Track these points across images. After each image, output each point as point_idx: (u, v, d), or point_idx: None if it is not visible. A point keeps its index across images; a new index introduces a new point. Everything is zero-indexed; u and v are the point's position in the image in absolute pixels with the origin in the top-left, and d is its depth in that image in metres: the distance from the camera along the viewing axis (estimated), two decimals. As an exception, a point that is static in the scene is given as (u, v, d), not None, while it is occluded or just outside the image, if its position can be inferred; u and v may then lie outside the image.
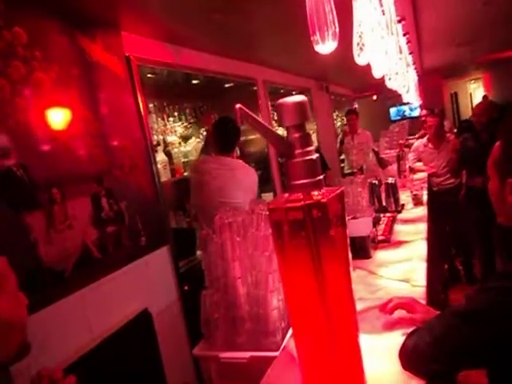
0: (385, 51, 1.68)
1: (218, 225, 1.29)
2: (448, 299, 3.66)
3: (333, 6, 1.04)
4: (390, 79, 2.21)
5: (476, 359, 0.85)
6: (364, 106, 8.89)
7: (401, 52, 2.59)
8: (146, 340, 2.24)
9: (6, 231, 1.67)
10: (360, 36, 1.72)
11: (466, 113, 9.75)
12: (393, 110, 10.78)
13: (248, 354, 1.27)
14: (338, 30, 1.08)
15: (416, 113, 9.82)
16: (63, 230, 1.90)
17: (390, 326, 1.19)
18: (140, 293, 2.27)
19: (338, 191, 0.84)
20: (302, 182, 0.81)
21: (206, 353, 1.33)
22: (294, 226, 0.81)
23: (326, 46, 1.08)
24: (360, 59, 1.75)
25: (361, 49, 1.73)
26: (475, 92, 10.80)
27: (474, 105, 9.22)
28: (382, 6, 2.13)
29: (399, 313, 1.22)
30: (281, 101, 0.79)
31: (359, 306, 1.38)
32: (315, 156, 0.81)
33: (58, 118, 1.96)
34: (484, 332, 0.83)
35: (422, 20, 4.19)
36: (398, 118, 10.48)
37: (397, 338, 1.12)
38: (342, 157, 6.56)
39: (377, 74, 1.69)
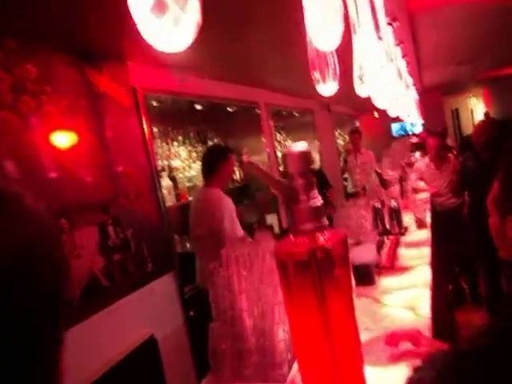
0: (385, 81, 1.72)
1: (224, 258, 1.32)
2: (454, 320, 3.64)
3: (335, 53, 1.08)
4: (391, 106, 2.26)
5: None
6: (366, 123, 8.96)
7: (400, 77, 2.64)
8: (152, 366, 2.25)
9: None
10: (360, 68, 1.77)
11: (468, 129, 9.80)
12: (395, 126, 10.83)
13: (255, 387, 1.28)
14: (338, 71, 1.12)
15: (417, 129, 9.88)
16: (71, 259, 1.93)
17: (396, 359, 1.21)
18: (146, 319, 2.28)
19: (342, 235, 0.87)
20: (306, 226, 0.84)
21: (213, 385, 1.35)
22: (299, 268, 0.84)
23: (327, 87, 1.12)
24: (361, 91, 1.80)
25: (361, 80, 1.78)
26: (476, 108, 10.86)
27: (475, 122, 9.27)
28: (379, 33, 2.19)
29: (404, 345, 1.23)
30: (286, 150, 0.83)
31: (364, 337, 1.40)
32: (319, 202, 0.84)
33: (66, 148, 2.01)
34: (489, 372, 0.84)
35: (421, 41, 4.26)
36: (401, 133, 10.54)
37: (402, 371, 1.13)
38: (345, 175, 6.60)
39: (379, 104, 1.74)
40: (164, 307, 2.47)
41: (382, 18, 2.08)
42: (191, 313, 2.66)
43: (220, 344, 1.36)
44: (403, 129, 10.61)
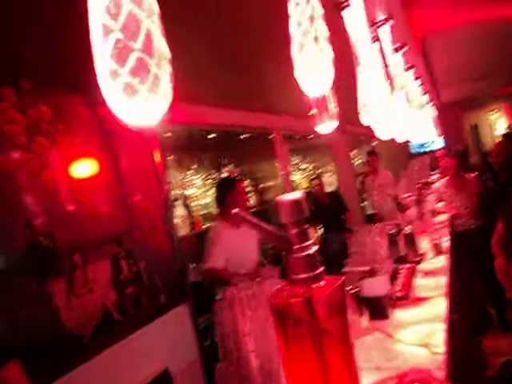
0: (388, 111, 1.71)
1: (229, 298, 1.31)
2: (481, 346, 3.50)
3: (332, 92, 1.08)
4: (398, 134, 2.24)
5: None
6: (383, 142, 8.89)
7: (411, 101, 2.62)
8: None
9: (31, 300, 1.73)
10: (364, 98, 1.77)
11: (488, 144, 9.61)
12: (413, 143, 10.68)
13: (263, 431, 1.25)
14: (338, 110, 1.12)
15: (437, 145, 9.73)
16: (84, 294, 1.95)
17: (406, 403, 1.16)
18: (160, 352, 2.27)
19: (339, 282, 0.85)
20: (301, 276, 0.83)
21: (221, 429, 1.32)
22: (295, 317, 0.83)
23: (324, 126, 1.12)
24: (364, 120, 1.79)
25: (366, 110, 1.78)
26: (496, 123, 10.68)
27: (495, 137, 9.07)
28: (385, 61, 2.19)
29: (416, 387, 1.19)
30: (278, 198, 0.83)
31: (375, 377, 1.36)
32: (313, 250, 0.83)
33: (81, 184, 2.05)
34: None
35: (434, 61, 4.25)
36: (420, 150, 10.39)
37: (413, 418, 1.09)
38: (364, 195, 6.53)
39: (381, 135, 1.72)
40: (178, 339, 2.46)
41: (388, 47, 2.08)
42: (206, 343, 2.64)
43: (227, 386, 1.34)
44: (422, 146, 10.47)
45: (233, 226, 2.78)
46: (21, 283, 1.69)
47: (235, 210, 0.76)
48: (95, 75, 0.59)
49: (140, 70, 0.50)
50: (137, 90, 0.51)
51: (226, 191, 2.82)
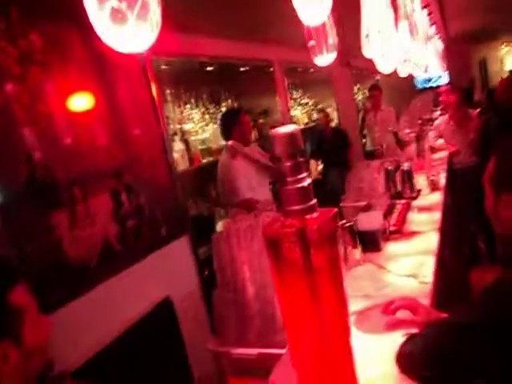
0: (391, 42, 1.65)
1: (226, 230, 1.35)
2: (469, 280, 3.65)
3: (332, 22, 1.04)
4: (401, 67, 2.17)
5: (467, 373, 0.89)
6: (386, 77, 8.64)
7: (417, 32, 2.52)
8: (168, 327, 2.36)
9: (33, 231, 1.78)
10: (367, 28, 1.70)
11: (497, 79, 9.35)
12: (419, 78, 10.38)
13: (256, 351, 1.34)
14: (336, 42, 1.08)
15: (443, 80, 9.48)
16: (85, 227, 2.00)
17: (392, 327, 1.24)
18: (161, 282, 2.37)
19: (331, 214, 0.88)
20: (295, 207, 0.85)
21: (218, 348, 1.42)
22: (288, 248, 0.86)
23: (323, 58, 1.09)
24: (366, 52, 1.74)
25: (369, 41, 1.72)
26: (506, 57, 10.31)
27: (505, 73, 8.79)
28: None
29: (402, 313, 1.26)
30: (273, 131, 0.83)
31: (364, 304, 1.44)
32: (307, 183, 0.85)
33: (77, 116, 2.03)
34: (477, 347, 0.86)
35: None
36: (426, 86, 10.12)
37: (397, 340, 1.17)
38: (364, 132, 6.46)
39: (383, 68, 1.67)
40: (179, 269, 2.56)
41: (396, -28, 1.97)
42: (206, 272, 2.75)
43: (224, 310, 1.42)
44: (428, 81, 10.18)
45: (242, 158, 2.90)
46: (23, 215, 1.73)
47: (230, 142, 0.77)
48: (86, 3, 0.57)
49: (128, -6, 0.49)
50: (125, 15, 0.49)
51: (231, 124, 2.84)
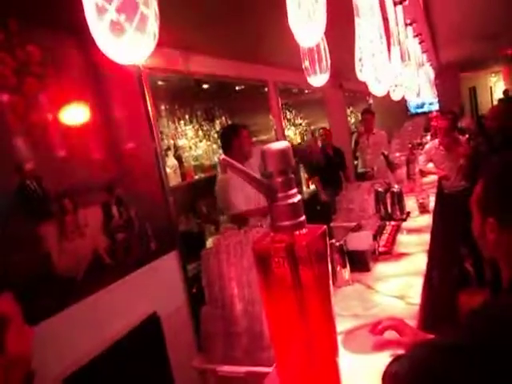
0: (384, 66, 1.69)
1: (216, 246, 1.35)
2: (457, 302, 3.66)
3: (326, 44, 1.07)
4: (394, 91, 2.22)
5: None
6: (380, 100, 8.78)
7: (408, 58, 2.58)
8: (154, 343, 2.33)
9: (22, 242, 1.76)
10: (361, 52, 1.74)
11: (486, 107, 9.55)
12: (412, 103, 10.57)
13: (244, 369, 1.33)
14: (329, 63, 1.11)
15: (435, 106, 9.67)
16: (75, 238, 1.99)
17: (379, 348, 1.24)
18: (149, 297, 2.35)
19: (321, 231, 0.88)
20: (284, 223, 0.85)
21: (204, 366, 1.40)
22: (277, 263, 0.86)
23: (316, 78, 1.12)
24: (361, 75, 1.78)
25: (362, 65, 1.76)
26: (496, 85, 10.56)
27: (495, 101, 8.98)
28: (385, 15, 2.14)
29: (389, 334, 1.26)
30: (264, 147, 0.84)
31: (352, 323, 1.43)
32: (297, 199, 0.86)
33: (72, 128, 2.04)
34: (464, 368, 0.86)
35: (436, 18, 4.13)
36: (418, 111, 10.31)
37: (384, 360, 1.16)
38: (357, 154, 6.54)
39: (375, 91, 1.71)
40: (167, 285, 2.54)
41: None
42: (194, 290, 2.73)
43: (211, 327, 1.40)
44: (421, 106, 10.38)
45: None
46: (12, 225, 1.72)
47: (222, 156, 0.78)
48: (85, 15, 0.58)
49: (127, 7, 0.50)
50: (124, 27, 0.51)
51: (230, 138, 2.94)
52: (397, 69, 2.08)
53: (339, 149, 5.39)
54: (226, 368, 1.37)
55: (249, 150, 2.96)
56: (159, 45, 2.41)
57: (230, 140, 2.95)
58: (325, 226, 0.91)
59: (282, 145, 0.85)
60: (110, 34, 0.50)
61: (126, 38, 0.51)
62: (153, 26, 0.53)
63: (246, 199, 2.87)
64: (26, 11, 1.81)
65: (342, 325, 1.39)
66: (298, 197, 0.87)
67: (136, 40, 0.51)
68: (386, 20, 2.15)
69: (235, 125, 3.38)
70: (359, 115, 7.53)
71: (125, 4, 0.50)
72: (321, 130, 5.17)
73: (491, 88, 10.59)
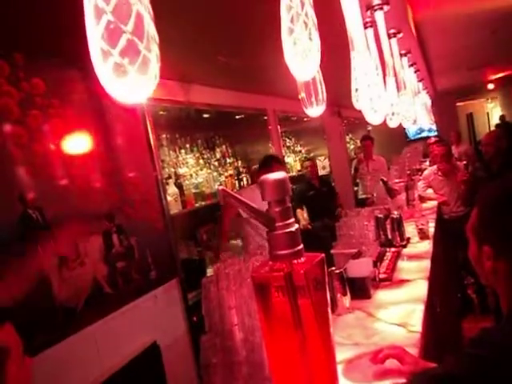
0: (378, 96, 1.74)
1: (216, 274, 1.35)
2: (461, 329, 3.62)
3: (321, 78, 1.11)
4: (390, 119, 2.27)
5: None
6: (378, 127, 8.89)
7: (404, 87, 2.64)
8: (154, 373, 2.30)
9: (22, 270, 1.77)
10: (357, 82, 1.79)
11: (484, 133, 9.65)
12: (411, 129, 10.70)
13: (244, 400, 1.31)
14: (325, 96, 1.15)
15: (433, 132, 9.79)
16: (75, 267, 2.00)
17: (380, 376, 1.23)
18: (149, 326, 2.33)
19: (318, 259, 0.90)
20: (283, 252, 0.87)
21: (204, 397, 1.38)
22: (276, 291, 0.87)
23: (312, 110, 1.15)
24: (358, 104, 1.82)
25: (358, 95, 1.80)
26: (493, 111, 10.71)
27: (492, 126, 9.09)
28: (380, 46, 2.21)
29: (390, 362, 1.25)
30: (263, 178, 0.86)
31: (353, 352, 1.42)
32: (295, 228, 0.88)
33: (74, 158, 2.07)
34: None
35: (431, 47, 4.24)
36: (417, 137, 10.43)
37: (386, 389, 1.15)
38: (357, 180, 6.58)
39: (371, 120, 1.75)
40: (167, 314, 2.52)
41: (383, 33, 2.10)
42: (194, 318, 2.71)
43: (211, 356, 1.39)
44: (420, 132, 10.50)
45: None
46: (12, 254, 1.73)
47: (220, 187, 0.80)
48: (88, 50, 0.62)
49: (130, 51, 0.54)
50: (126, 70, 0.54)
51: (261, 168, 3.02)
52: (393, 98, 2.13)
53: (326, 179, 5.43)
54: (227, 399, 1.35)
55: None
56: (161, 77, 2.47)
57: (261, 170, 3.02)
58: (322, 254, 0.92)
59: (279, 175, 0.87)
60: (113, 76, 0.54)
61: (129, 79, 0.54)
62: (154, 68, 0.56)
63: None
64: (32, 44, 1.87)
65: (342, 353, 1.38)
66: (296, 226, 0.89)
67: (138, 81, 0.55)
68: (381, 51, 2.22)
69: (270, 156, 3.37)
70: (358, 142, 7.63)
71: (128, 48, 0.53)
72: (306, 163, 5.18)
73: (488, 114, 10.73)
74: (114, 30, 0.52)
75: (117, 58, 0.53)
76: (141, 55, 0.53)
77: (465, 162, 3.96)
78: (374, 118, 1.74)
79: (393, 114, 2.51)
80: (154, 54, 0.55)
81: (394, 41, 2.67)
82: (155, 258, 2.44)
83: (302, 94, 1.14)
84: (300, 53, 0.86)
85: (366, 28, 2.00)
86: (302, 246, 0.89)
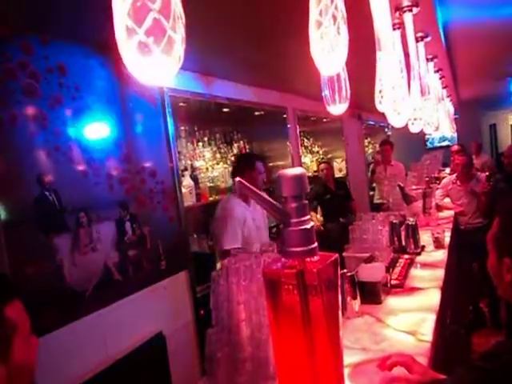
0: (402, 99, 1.70)
1: (225, 268, 1.34)
2: (470, 343, 3.55)
3: (346, 75, 1.08)
4: (412, 124, 2.23)
5: None
6: (398, 132, 8.78)
7: (428, 92, 2.59)
8: (158, 363, 2.31)
9: (35, 252, 1.79)
10: (382, 84, 1.76)
11: (506, 144, 9.45)
12: (430, 138, 10.57)
13: (247, 397, 1.30)
14: (349, 93, 1.12)
15: (453, 142, 9.63)
16: (87, 252, 2.01)
17: (386, 383, 1.20)
18: (156, 315, 2.34)
19: (332, 259, 0.88)
20: (296, 249, 0.85)
21: (207, 390, 1.38)
22: (287, 289, 0.86)
23: (335, 107, 1.13)
24: (381, 106, 1.79)
25: (382, 96, 1.77)
26: (516, 124, 10.47)
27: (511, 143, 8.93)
28: (407, 49, 2.17)
29: (398, 370, 1.23)
30: (280, 172, 0.85)
31: (361, 357, 1.40)
32: (310, 225, 0.86)
33: (91, 143, 2.08)
34: None
35: (457, 54, 4.16)
36: (437, 145, 10.30)
37: (392, 397, 1.13)
38: (373, 184, 6.51)
39: (398, 124, 1.72)
40: (175, 305, 2.53)
41: (411, 35, 2.05)
42: (202, 311, 2.70)
43: (216, 350, 1.38)
44: (441, 140, 10.37)
45: (246, 202, 2.84)
46: (27, 235, 1.75)
47: (238, 178, 0.78)
48: (113, 35, 0.61)
49: (156, 30, 0.52)
50: (151, 49, 0.53)
51: (244, 167, 2.87)
52: (416, 102, 2.09)
53: (343, 181, 5.38)
54: (229, 394, 1.34)
55: (260, 183, 2.92)
56: (183, 69, 2.47)
57: (244, 169, 2.87)
58: (336, 255, 0.90)
59: (297, 171, 0.85)
60: (137, 55, 0.53)
61: (153, 59, 0.53)
62: (179, 49, 0.54)
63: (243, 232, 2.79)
64: (56, 27, 1.88)
65: (349, 357, 1.35)
66: (311, 223, 0.87)
67: (162, 62, 0.54)
68: (407, 55, 2.18)
69: (250, 155, 3.36)
70: (377, 146, 7.54)
71: (154, 27, 0.52)
72: (322, 165, 5.15)
73: (511, 126, 10.50)
74: (141, 8, 0.51)
75: (142, 36, 0.52)
76: (166, 35, 0.52)
77: (487, 173, 3.87)
78: (396, 121, 1.70)
79: (415, 119, 2.47)
80: (179, 35, 0.54)
81: (421, 44, 2.62)
82: (166, 249, 2.45)
83: (326, 92, 1.12)
84: (327, 47, 0.84)
85: (393, 29, 1.96)
86: (316, 244, 0.87)
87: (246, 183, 0.82)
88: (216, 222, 2.84)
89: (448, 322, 2.39)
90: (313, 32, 0.87)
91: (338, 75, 1.12)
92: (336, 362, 0.90)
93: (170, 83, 2.57)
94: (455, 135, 9.27)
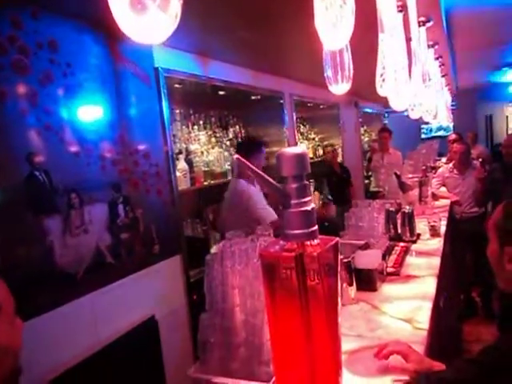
0: (405, 83, 1.66)
1: (220, 252, 1.31)
2: (461, 331, 3.57)
3: (350, 55, 1.04)
4: (412, 110, 2.19)
5: None
6: (394, 122, 8.73)
7: (429, 79, 2.55)
8: (150, 347, 2.28)
9: (24, 233, 1.74)
10: (383, 68, 1.71)
11: (501, 136, 9.46)
12: (425, 128, 10.57)
13: (241, 382, 1.28)
14: (352, 73, 1.08)
15: (449, 132, 9.62)
16: (79, 234, 1.96)
17: (382, 371, 1.18)
18: (148, 300, 2.31)
19: (333, 243, 0.84)
20: (296, 232, 0.82)
21: (199, 375, 1.35)
22: (285, 272, 0.82)
23: (338, 87, 1.09)
24: (382, 90, 1.75)
25: (383, 80, 1.73)
26: (512, 116, 10.48)
27: (510, 130, 8.92)
28: (410, 34, 2.12)
29: (394, 358, 1.21)
30: (281, 151, 0.81)
31: (356, 344, 1.38)
32: (311, 207, 0.82)
33: (83, 123, 2.02)
34: None
35: (458, 41, 4.11)
36: (433, 134, 10.32)
37: (387, 384, 1.11)
38: (370, 173, 6.49)
39: (396, 106, 1.68)
40: (168, 289, 2.50)
41: (414, 19, 2.00)
42: (194, 296, 2.68)
43: (209, 335, 1.36)
44: (438, 129, 10.38)
45: (251, 184, 2.97)
46: (16, 216, 1.70)
47: (235, 156, 0.74)
48: (110, 14, 0.56)
49: (151, -16, 0.48)
50: (146, 5, 0.48)
51: (251, 151, 2.96)
52: (417, 87, 2.05)
53: (346, 166, 5.40)
54: (222, 379, 1.32)
55: (261, 168, 2.98)
56: (179, 48, 2.40)
57: (250, 153, 2.96)
58: (337, 239, 0.87)
59: (298, 149, 0.82)
60: (130, 12, 0.48)
61: (148, 16, 0.48)
62: (175, 6, 0.50)
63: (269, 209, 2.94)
64: (48, 2, 1.81)
65: (345, 344, 1.33)
66: (312, 205, 0.83)
67: (157, 19, 0.49)
68: (408, 40, 2.13)
69: (257, 140, 3.39)
70: (373, 134, 7.51)
71: (148, -19, 0.48)
72: (328, 148, 5.20)
73: (507, 117, 10.51)
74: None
75: (135, -10, 0.48)
76: (162, -11, 0.48)
77: (481, 160, 3.85)
78: (397, 104, 1.67)
79: (414, 105, 2.43)
80: (176, -9, 0.50)
81: (422, 29, 2.57)
82: (160, 233, 2.41)
83: (328, 71, 1.08)
84: (331, 19, 0.79)
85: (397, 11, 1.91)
86: (316, 227, 0.83)
87: (245, 160, 0.78)
88: (240, 205, 2.95)
89: (441, 311, 2.39)
90: (317, 3, 0.82)
91: (342, 53, 1.07)
92: (334, 349, 0.88)
93: (165, 63, 2.51)
94: (451, 125, 9.26)
